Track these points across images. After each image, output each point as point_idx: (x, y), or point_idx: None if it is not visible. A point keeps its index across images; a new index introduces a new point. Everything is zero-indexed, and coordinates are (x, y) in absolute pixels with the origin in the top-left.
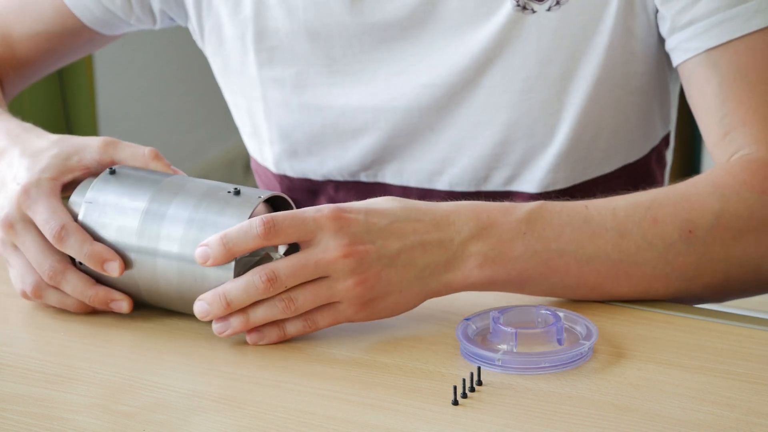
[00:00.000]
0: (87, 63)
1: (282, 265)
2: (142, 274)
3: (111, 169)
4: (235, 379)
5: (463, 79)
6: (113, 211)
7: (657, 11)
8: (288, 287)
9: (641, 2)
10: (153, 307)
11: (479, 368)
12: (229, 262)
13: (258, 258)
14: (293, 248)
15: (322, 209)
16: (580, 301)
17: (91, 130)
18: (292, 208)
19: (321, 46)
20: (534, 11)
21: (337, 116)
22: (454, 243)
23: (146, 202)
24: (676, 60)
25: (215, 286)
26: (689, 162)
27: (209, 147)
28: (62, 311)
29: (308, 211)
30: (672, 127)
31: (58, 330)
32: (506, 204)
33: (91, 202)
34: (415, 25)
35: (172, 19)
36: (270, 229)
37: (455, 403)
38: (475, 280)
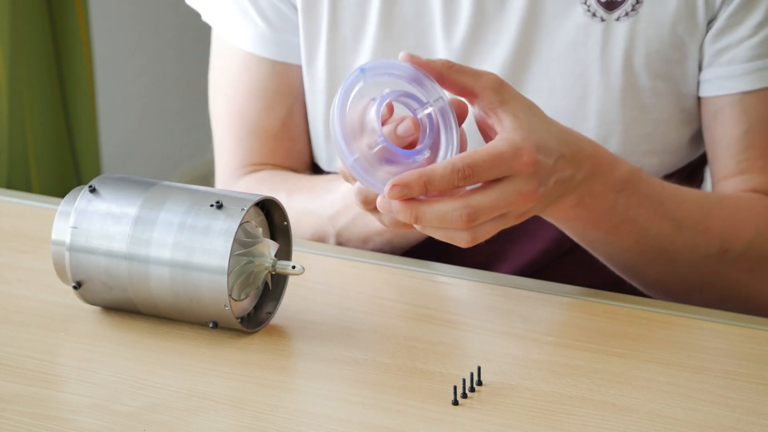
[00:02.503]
0: (87, 63)
1: (478, 158)
2: (136, 287)
3: (90, 186)
4: (235, 379)
5: (519, 80)
6: (99, 236)
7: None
8: (480, 180)
9: (702, 22)
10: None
11: (479, 368)
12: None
13: (250, 259)
14: (277, 237)
15: (520, 153)
16: (584, 297)
17: (91, 129)
18: (279, 206)
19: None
20: (603, 20)
21: None
22: (575, 180)
23: (131, 227)
24: (706, 92)
25: (208, 291)
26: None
27: (209, 147)
28: (61, 312)
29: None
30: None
31: (58, 330)
32: (615, 157)
33: (76, 227)
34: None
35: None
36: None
37: (455, 403)
38: (566, 214)
